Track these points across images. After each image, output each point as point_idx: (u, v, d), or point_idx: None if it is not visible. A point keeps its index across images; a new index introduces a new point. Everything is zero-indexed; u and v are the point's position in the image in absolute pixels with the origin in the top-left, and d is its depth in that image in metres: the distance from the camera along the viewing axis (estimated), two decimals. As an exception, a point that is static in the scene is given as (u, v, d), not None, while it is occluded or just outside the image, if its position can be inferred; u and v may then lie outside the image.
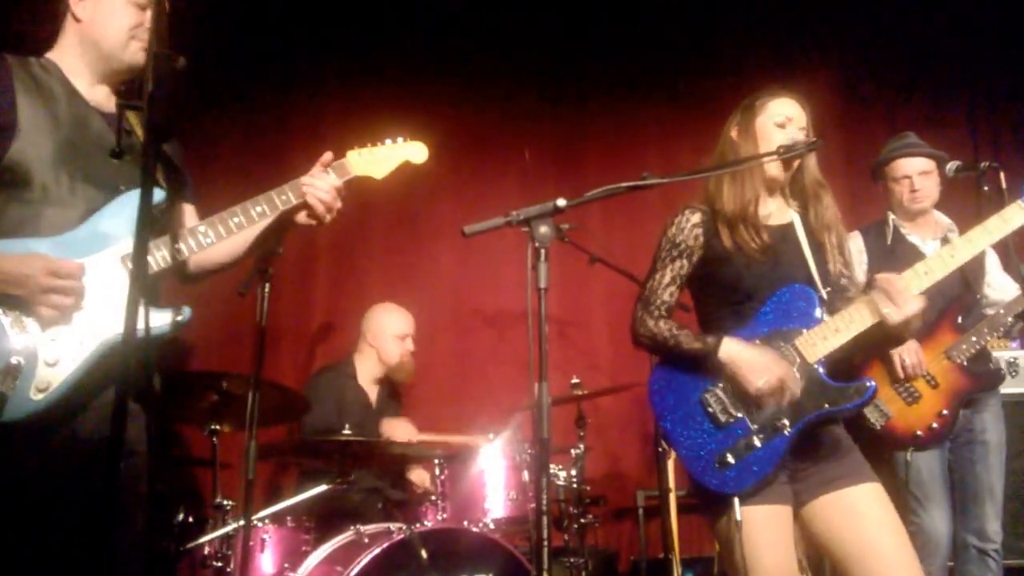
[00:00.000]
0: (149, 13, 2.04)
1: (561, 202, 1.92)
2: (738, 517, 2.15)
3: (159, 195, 1.98)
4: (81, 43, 2.04)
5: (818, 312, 2.28)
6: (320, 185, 2.09)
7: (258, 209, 2.05)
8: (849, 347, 2.26)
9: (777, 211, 2.42)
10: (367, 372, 4.19)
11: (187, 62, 1.54)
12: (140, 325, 1.83)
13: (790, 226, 2.39)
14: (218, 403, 3.32)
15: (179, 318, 1.93)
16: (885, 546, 2.13)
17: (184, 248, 1.97)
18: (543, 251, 1.86)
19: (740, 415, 2.23)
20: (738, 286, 2.31)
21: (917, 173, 3.46)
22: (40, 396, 1.78)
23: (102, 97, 2.06)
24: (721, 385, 2.26)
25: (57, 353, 1.80)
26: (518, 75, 5.01)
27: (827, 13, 5.18)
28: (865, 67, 5.28)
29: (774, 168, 2.35)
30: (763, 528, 2.16)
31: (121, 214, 1.92)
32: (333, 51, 4.85)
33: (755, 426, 2.21)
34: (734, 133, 2.44)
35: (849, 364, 2.48)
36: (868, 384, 2.23)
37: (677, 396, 2.31)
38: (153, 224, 1.97)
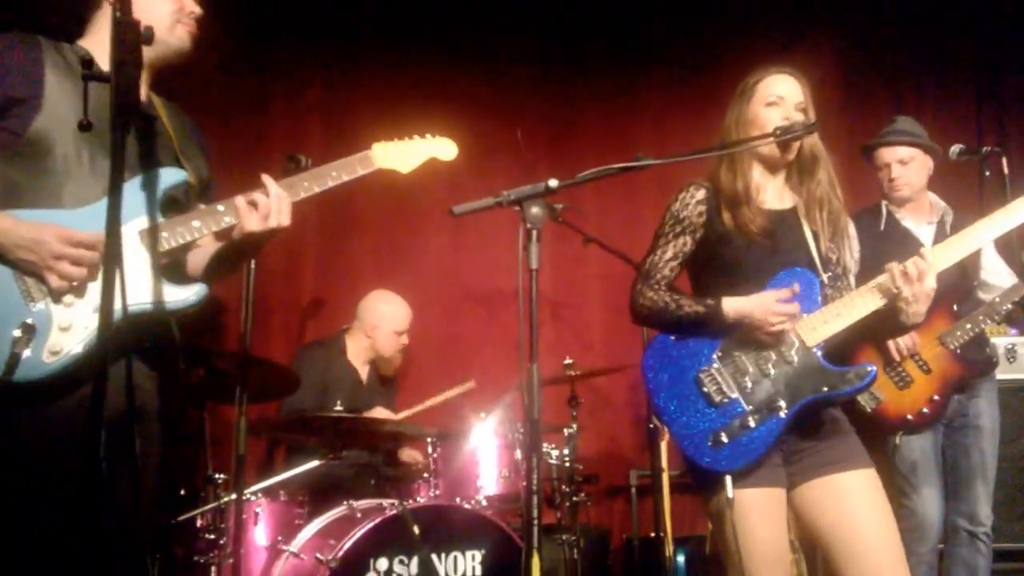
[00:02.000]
0: None
1: (553, 183, 1.91)
2: (730, 494, 2.13)
3: (181, 175, 2.02)
4: None
5: (818, 296, 2.26)
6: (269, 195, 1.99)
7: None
8: (850, 332, 2.24)
9: (778, 195, 2.38)
10: (357, 352, 4.18)
11: (150, 30, 1.52)
12: (160, 298, 1.89)
13: (792, 211, 2.36)
14: (207, 379, 3.31)
15: (193, 296, 1.94)
16: (872, 533, 2.12)
17: (201, 226, 1.97)
18: (535, 232, 1.85)
19: (735, 395, 2.21)
20: (737, 268, 2.27)
21: (896, 161, 3.45)
22: (52, 359, 1.80)
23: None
24: (716, 365, 2.24)
25: (71, 319, 1.83)
26: (510, 52, 4.96)
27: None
28: (869, 46, 5.23)
29: (767, 148, 2.30)
30: (755, 507, 2.15)
31: (142, 191, 1.94)
32: (319, 28, 4.77)
33: (750, 407, 2.20)
34: (731, 119, 2.39)
35: (846, 349, 2.45)
36: (868, 369, 2.21)
37: (671, 374, 2.28)
38: (172, 205, 2.02)
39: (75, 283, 1.84)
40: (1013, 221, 2.30)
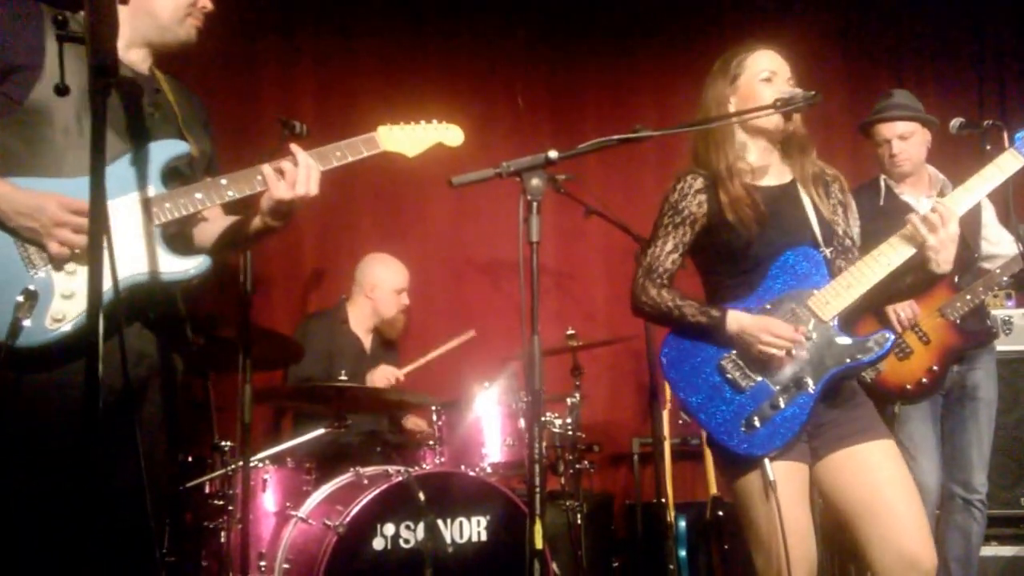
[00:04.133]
0: None
1: (553, 154, 1.89)
2: (771, 477, 2.13)
3: (183, 147, 2.02)
4: (133, 12, 2.04)
5: (824, 271, 2.27)
6: (302, 167, 2.04)
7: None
8: (875, 296, 2.26)
9: (776, 170, 2.37)
10: (360, 320, 4.19)
11: None
12: (159, 269, 1.90)
13: (791, 184, 2.35)
14: (209, 348, 3.34)
15: (194, 269, 1.96)
16: (896, 500, 2.14)
17: (203, 199, 1.97)
18: (535, 204, 1.85)
19: (760, 378, 2.22)
20: (745, 253, 2.27)
21: (896, 137, 3.44)
22: (55, 327, 1.81)
23: (136, 58, 2.08)
24: (736, 351, 2.25)
25: (74, 287, 1.84)
26: (510, 21, 4.89)
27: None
28: (868, 20, 5.18)
29: (773, 120, 2.27)
30: (787, 486, 2.14)
31: (144, 162, 1.94)
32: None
33: (777, 387, 2.20)
34: (711, 97, 2.37)
35: (853, 320, 2.47)
36: (888, 336, 2.23)
37: (692, 365, 2.28)
38: (175, 175, 2.02)
39: (76, 251, 1.83)
40: (989, 186, 2.31)
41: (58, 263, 1.85)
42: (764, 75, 2.31)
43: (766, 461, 2.14)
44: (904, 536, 2.12)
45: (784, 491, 2.13)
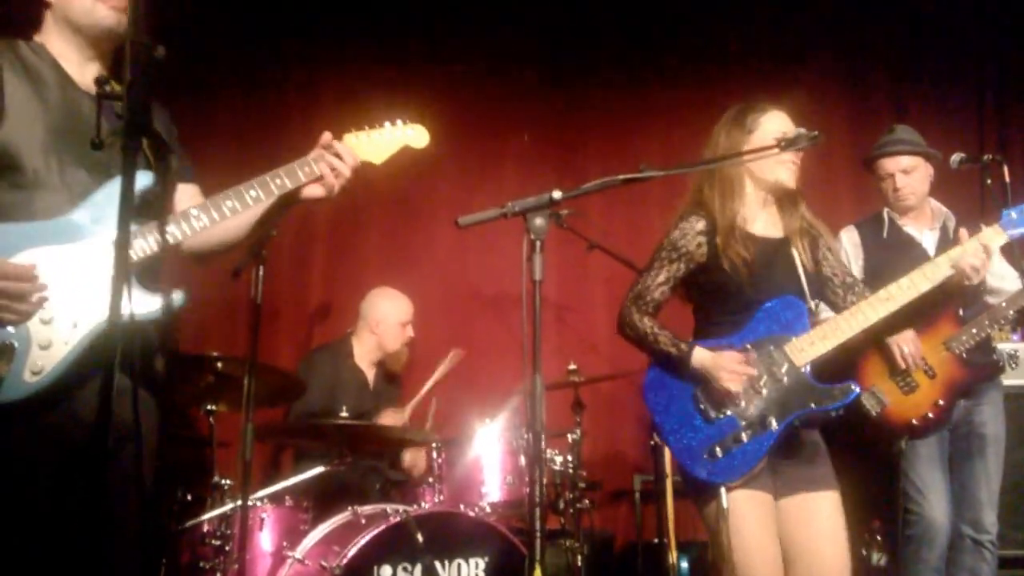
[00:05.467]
0: None
1: (557, 194, 1.93)
2: (725, 505, 2.32)
3: (147, 179, 1.93)
4: (57, 23, 2.00)
5: (805, 321, 2.46)
6: (345, 159, 2.09)
7: (252, 193, 2.02)
8: (856, 343, 2.47)
9: (770, 220, 2.55)
10: (365, 354, 4.20)
11: (165, 51, 1.52)
12: (126, 311, 1.84)
13: (784, 241, 2.54)
14: (214, 384, 3.33)
15: (171, 303, 1.91)
16: (825, 551, 2.37)
17: (176, 232, 1.95)
18: (539, 243, 1.87)
19: (729, 412, 2.41)
20: (737, 296, 2.46)
21: (899, 171, 3.47)
22: (34, 379, 1.77)
23: (92, 80, 2.01)
24: (701, 385, 2.44)
25: (50, 336, 1.80)
26: (518, 57, 4.96)
27: (831, 0, 5.13)
28: (871, 55, 5.23)
29: (783, 173, 2.48)
30: (748, 514, 2.35)
31: (115, 199, 1.88)
32: (328, 31, 4.79)
33: (743, 422, 2.39)
34: (724, 143, 2.52)
35: (855, 357, 2.86)
36: (852, 387, 2.42)
37: (669, 392, 2.49)
38: (146, 209, 1.93)
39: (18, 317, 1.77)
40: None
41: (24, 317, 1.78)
42: (776, 135, 2.45)
43: (722, 490, 2.34)
44: None
45: (749, 517, 2.34)
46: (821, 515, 2.40)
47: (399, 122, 2.29)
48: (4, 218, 1.83)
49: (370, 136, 2.22)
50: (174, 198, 2.14)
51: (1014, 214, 2.65)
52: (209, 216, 1.98)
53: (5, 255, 1.79)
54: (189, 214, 1.97)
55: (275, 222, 2.20)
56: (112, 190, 1.90)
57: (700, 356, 2.41)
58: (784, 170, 2.48)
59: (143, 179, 1.94)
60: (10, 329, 1.78)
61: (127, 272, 1.46)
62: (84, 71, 2.02)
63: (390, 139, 2.26)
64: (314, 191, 2.12)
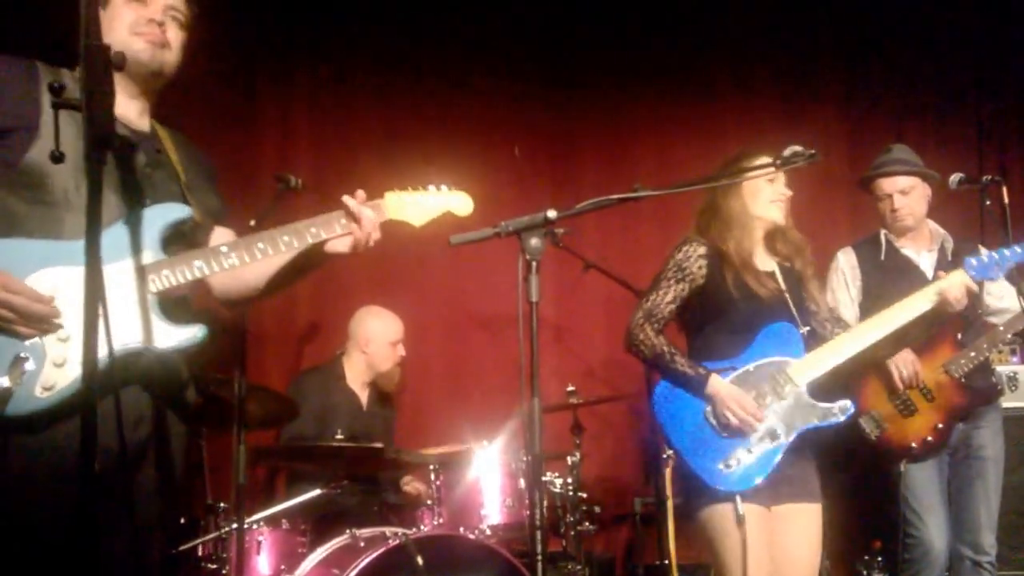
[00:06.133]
0: (153, 5, 1.99)
1: (552, 213, 1.93)
2: (741, 511, 2.50)
3: (184, 211, 1.96)
4: None
5: (800, 345, 2.69)
6: (368, 219, 2.07)
7: (285, 239, 2.00)
8: (853, 366, 2.72)
9: (763, 259, 2.78)
10: (356, 375, 4.13)
11: (121, 55, 1.44)
12: (152, 339, 1.87)
13: (773, 274, 2.76)
14: (203, 407, 3.29)
15: (192, 338, 1.92)
16: (799, 558, 2.60)
17: (203, 267, 1.93)
18: (534, 264, 1.86)
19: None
20: (736, 318, 2.66)
21: (897, 192, 3.46)
22: (45, 395, 1.76)
23: (133, 114, 2.03)
24: (710, 407, 2.62)
25: (65, 355, 1.79)
26: (510, 72, 4.92)
27: (831, 17, 5.15)
28: (870, 74, 5.24)
29: (775, 212, 2.73)
30: (754, 523, 2.52)
31: (143, 226, 1.89)
32: (320, 45, 4.75)
33: (754, 436, 2.59)
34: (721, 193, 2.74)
35: (853, 378, 3.10)
36: (849, 405, 2.66)
37: (682, 406, 2.64)
38: (176, 240, 1.96)
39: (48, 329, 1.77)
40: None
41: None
42: (769, 176, 2.70)
43: (737, 498, 2.51)
44: None
45: (757, 531, 2.51)
46: (801, 524, 2.61)
47: (444, 187, 2.26)
48: (24, 232, 1.83)
49: (414, 198, 2.21)
50: (210, 237, 2.13)
51: (974, 261, 2.89)
52: (239, 255, 1.96)
53: (26, 271, 1.79)
54: (219, 251, 1.96)
55: (292, 279, 2.17)
56: (139, 217, 1.91)
57: (716, 385, 2.58)
58: (775, 208, 2.72)
59: (178, 211, 1.97)
60: (26, 343, 1.77)
61: (102, 293, 1.40)
62: (126, 106, 2.00)
63: (434, 204, 2.24)
64: (340, 245, 2.08)
